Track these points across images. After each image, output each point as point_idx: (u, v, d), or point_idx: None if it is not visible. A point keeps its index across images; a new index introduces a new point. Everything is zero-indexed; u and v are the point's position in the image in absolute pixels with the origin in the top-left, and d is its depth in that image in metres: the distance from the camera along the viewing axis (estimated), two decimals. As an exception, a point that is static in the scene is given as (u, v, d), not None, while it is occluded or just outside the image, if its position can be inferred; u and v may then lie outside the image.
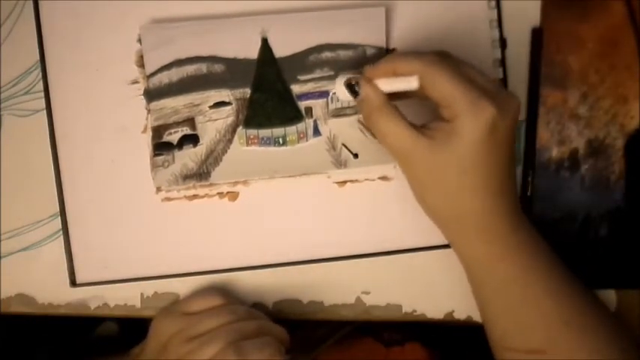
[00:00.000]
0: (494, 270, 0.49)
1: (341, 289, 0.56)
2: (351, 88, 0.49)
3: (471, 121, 0.45)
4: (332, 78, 0.54)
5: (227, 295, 0.53)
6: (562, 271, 0.50)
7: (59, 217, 0.54)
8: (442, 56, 0.48)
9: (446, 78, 0.46)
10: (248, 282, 0.55)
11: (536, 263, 0.49)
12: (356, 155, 0.54)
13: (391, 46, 0.55)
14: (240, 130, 0.54)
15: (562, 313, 0.48)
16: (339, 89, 0.51)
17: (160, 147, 0.54)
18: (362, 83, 0.48)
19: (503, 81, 0.56)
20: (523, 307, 0.49)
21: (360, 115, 0.54)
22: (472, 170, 0.46)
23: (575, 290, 0.50)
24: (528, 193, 0.56)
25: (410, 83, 0.47)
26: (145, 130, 0.54)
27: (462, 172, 0.46)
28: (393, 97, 0.49)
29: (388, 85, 0.48)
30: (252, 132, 0.54)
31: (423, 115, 0.49)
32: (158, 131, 0.54)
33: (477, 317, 0.56)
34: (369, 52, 0.54)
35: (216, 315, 0.50)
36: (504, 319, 0.50)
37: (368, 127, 0.50)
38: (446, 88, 0.46)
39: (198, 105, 0.53)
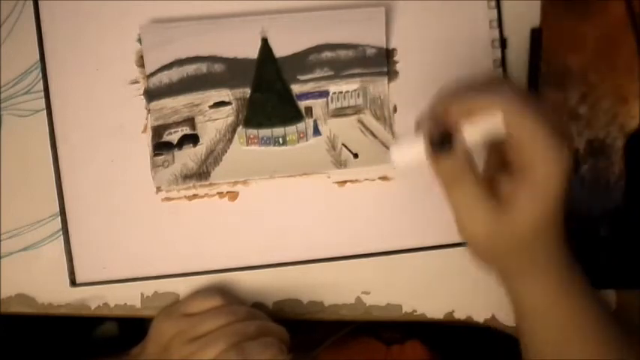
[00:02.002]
0: (552, 317, 0.47)
1: (341, 289, 0.56)
2: (439, 145, 0.41)
3: (551, 174, 0.41)
4: (332, 78, 0.54)
5: (227, 295, 0.53)
6: (610, 316, 0.49)
7: (59, 217, 0.54)
8: (510, 87, 0.42)
9: (527, 119, 0.40)
10: (248, 282, 0.55)
11: (591, 310, 0.47)
12: (356, 155, 0.54)
13: (391, 46, 0.55)
14: (240, 129, 0.54)
15: (603, 353, 0.47)
16: (399, 155, 0.43)
17: (160, 147, 0.54)
18: (455, 137, 0.41)
19: (503, 81, 0.56)
20: (577, 354, 0.47)
21: (361, 115, 0.54)
22: (551, 224, 0.43)
23: (620, 335, 0.48)
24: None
25: (495, 125, 0.40)
26: (144, 130, 0.54)
27: (536, 230, 0.42)
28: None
29: (473, 131, 0.41)
30: (252, 132, 0.54)
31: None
32: (158, 131, 0.54)
33: (477, 317, 0.56)
34: (369, 52, 0.54)
35: (217, 316, 0.50)
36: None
37: (442, 192, 0.43)
38: (529, 134, 0.40)
39: (198, 105, 0.53)
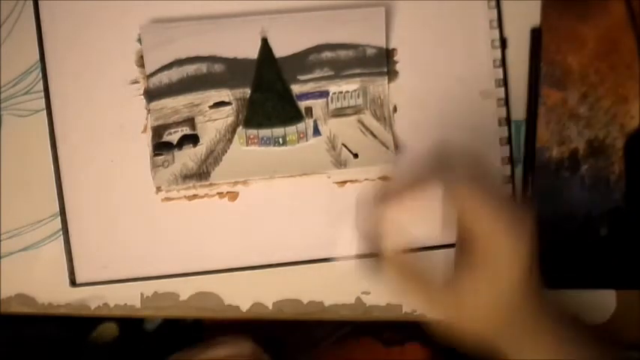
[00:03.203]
0: None
1: (341, 289, 0.56)
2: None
3: (510, 265, 0.42)
4: (332, 78, 0.54)
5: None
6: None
7: (59, 217, 0.54)
8: (463, 169, 0.43)
9: (483, 211, 0.41)
10: (248, 282, 0.55)
11: None
12: (356, 155, 0.54)
13: (391, 46, 0.55)
14: (240, 129, 0.54)
15: None
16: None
17: (160, 147, 0.54)
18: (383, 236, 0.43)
19: (504, 81, 0.56)
20: None
21: (361, 115, 0.54)
22: (512, 308, 0.44)
23: None
24: (528, 193, 0.56)
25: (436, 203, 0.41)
26: (144, 130, 0.54)
27: (501, 316, 0.44)
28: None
29: (412, 213, 0.42)
30: (252, 132, 0.54)
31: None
32: (158, 131, 0.54)
33: (477, 317, 0.56)
34: (369, 52, 0.54)
35: None
36: None
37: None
38: (483, 223, 0.42)
39: (198, 105, 0.53)
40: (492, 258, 0.42)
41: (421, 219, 0.42)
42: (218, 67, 0.53)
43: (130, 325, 0.72)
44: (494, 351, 0.47)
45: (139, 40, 0.54)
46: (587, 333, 0.48)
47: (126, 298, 0.55)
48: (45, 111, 0.54)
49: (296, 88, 0.54)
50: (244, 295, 0.56)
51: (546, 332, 0.47)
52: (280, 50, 0.54)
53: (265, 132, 0.54)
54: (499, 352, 0.48)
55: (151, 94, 0.53)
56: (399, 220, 0.42)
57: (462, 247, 0.45)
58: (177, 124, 0.53)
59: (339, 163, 0.54)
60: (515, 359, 0.48)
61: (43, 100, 0.54)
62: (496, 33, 0.56)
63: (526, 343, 0.47)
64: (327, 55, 0.54)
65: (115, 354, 0.59)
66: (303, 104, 0.54)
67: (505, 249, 0.42)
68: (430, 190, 0.41)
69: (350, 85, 0.54)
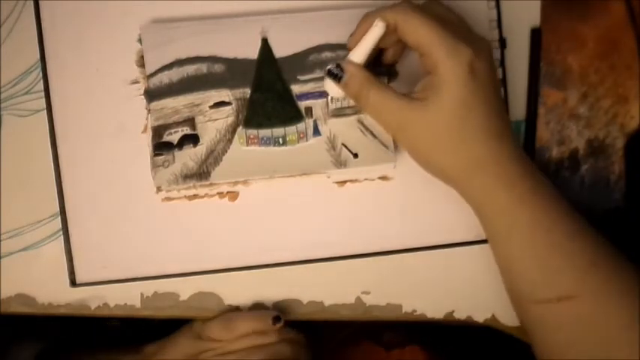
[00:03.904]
0: (519, 216, 0.48)
1: (341, 289, 0.56)
2: (334, 75, 0.49)
3: (452, 66, 0.45)
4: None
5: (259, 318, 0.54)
6: (578, 214, 0.49)
7: (59, 217, 0.54)
8: (417, 4, 0.48)
9: (419, 24, 0.46)
10: (248, 282, 0.55)
11: (556, 205, 0.48)
12: (356, 155, 0.54)
13: (391, 46, 0.55)
14: (240, 129, 0.54)
15: (588, 254, 0.47)
16: (327, 85, 0.51)
17: (160, 147, 0.54)
18: (343, 64, 0.49)
19: (503, 81, 0.56)
20: (549, 251, 0.47)
21: (361, 115, 0.54)
22: (469, 116, 0.46)
23: (595, 233, 0.48)
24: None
25: (377, 28, 0.48)
26: (145, 130, 0.54)
27: (460, 120, 0.46)
28: (383, 62, 0.51)
29: (362, 47, 0.49)
30: (252, 132, 0.54)
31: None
32: (158, 131, 0.54)
33: (477, 317, 0.56)
34: (369, 52, 0.54)
35: (247, 336, 0.54)
36: (533, 270, 0.48)
37: (360, 108, 0.49)
38: (421, 35, 0.46)
39: (198, 105, 0.53)
40: (438, 65, 0.46)
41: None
42: (218, 67, 0.53)
43: (130, 325, 0.72)
44: (447, 181, 0.50)
45: (139, 40, 0.54)
46: (558, 194, 0.49)
47: (126, 298, 0.55)
48: (45, 111, 0.54)
49: (296, 88, 0.54)
50: (244, 295, 0.56)
51: (516, 177, 0.48)
52: (280, 50, 0.54)
53: (265, 132, 0.54)
54: (450, 182, 0.50)
55: (151, 94, 0.53)
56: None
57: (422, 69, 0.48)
58: (178, 124, 0.53)
59: (339, 163, 0.54)
60: (463, 193, 0.50)
61: (43, 100, 0.54)
62: (496, 33, 0.56)
63: (476, 177, 0.48)
64: (327, 55, 0.54)
65: (122, 347, 0.59)
66: (303, 104, 0.54)
67: (442, 59, 0.45)
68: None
69: (350, 85, 0.54)
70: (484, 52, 0.47)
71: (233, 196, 0.55)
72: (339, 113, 0.54)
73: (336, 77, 0.49)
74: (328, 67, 0.50)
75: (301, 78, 0.54)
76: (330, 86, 0.51)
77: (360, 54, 0.49)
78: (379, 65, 0.53)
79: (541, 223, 0.47)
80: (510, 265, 0.49)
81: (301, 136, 0.54)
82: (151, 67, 0.53)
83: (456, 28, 0.47)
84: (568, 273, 0.47)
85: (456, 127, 0.46)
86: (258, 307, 0.56)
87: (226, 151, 0.54)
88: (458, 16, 0.49)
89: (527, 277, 0.49)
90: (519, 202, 0.47)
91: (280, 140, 0.54)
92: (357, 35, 0.50)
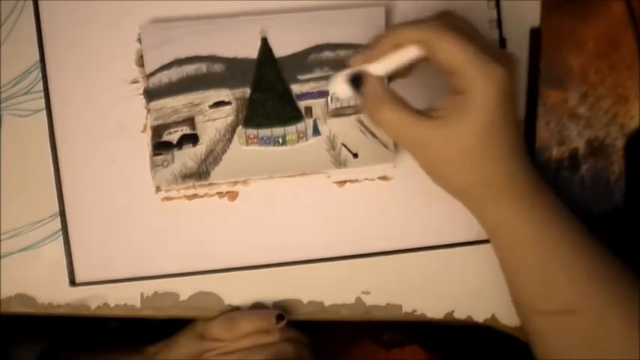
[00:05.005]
0: (525, 231, 0.48)
1: (341, 289, 0.56)
2: (356, 83, 0.47)
3: (485, 87, 0.44)
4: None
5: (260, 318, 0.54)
6: (582, 226, 0.49)
7: (59, 217, 0.54)
8: (444, 20, 0.46)
9: (453, 44, 0.44)
10: (248, 282, 0.55)
11: (561, 220, 0.48)
12: (355, 155, 0.54)
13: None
14: (240, 129, 0.54)
15: (590, 268, 0.47)
16: (338, 88, 0.49)
17: (160, 146, 0.54)
18: (364, 76, 0.47)
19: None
20: (555, 266, 0.47)
21: (360, 115, 0.54)
22: (493, 135, 0.45)
23: (602, 248, 0.49)
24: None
25: (412, 53, 0.46)
26: (144, 130, 0.54)
27: (483, 139, 0.45)
28: (401, 75, 0.49)
29: (387, 64, 0.47)
30: (252, 131, 0.54)
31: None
32: (158, 131, 0.54)
33: (477, 317, 0.56)
34: (369, 51, 0.54)
35: (250, 335, 0.54)
36: (535, 282, 0.48)
37: (373, 121, 0.48)
38: (454, 56, 0.44)
39: (197, 104, 0.53)
40: (470, 87, 0.44)
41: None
42: (218, 67, 0.53)
43: (131, 326, 0.72)
44: (461, 198, 0.49)
45: (139, 40, 0.54)
46: (564, 208, 0.49)
47: (126, 298, 0.55)
48: (45, 111, 0.54)
49: (296, 88, 0.54)
50: (244, 295, 0.56)
51: (517, 195, 0.48)
52: (280, 50, 0.54)
53: (265, 132, 0.54)
54: (464, 199, 0.49)
55: (151, 94, 0.53)
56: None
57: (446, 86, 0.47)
58: (177, 123, 0.53)
59: (339, 163, 0.54)
60: (478, 217, 0.49)
61: (43, 100, 0.54)
62: (496, 33, 0.56)
63: (492, 195, 0.48)
64: (327, 54, 0.54)
65: (125, 347, 0.59)
66: (302, 104, 0.54)
67: (476, 79, 0.44)
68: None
69: (350, 85, 0.54)
70: (513, 70, 0.46)
71: (233, 195, 0.55)
72: (338, 113, 0.54)
73: (357, 85, 0.48)
74: (349, 73, 0.48)
75: (301, 78, 0.54)
76: (341, 88, 0.49)
77: (382, 69, 0.47)
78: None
79: (547, 239, 0.48)
80: (515, 275, 0.50)
81: (301, 135, 0.54)
82: (150, 67, 0.53)
83: (483, 44, 0.45)
84: (570, 286, 0.47)
85: (479, 147, 0.45)
86: (258, 306, 0.56)
87: (226, 151, 0.54)
88: (476, 27, 0.48)
89: (530, 288, 0.49)
90: (529, 218, 0.48)
91: (280, 140, 0.54)
92: (379, 50, 0.47)
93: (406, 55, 0.46)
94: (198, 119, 0.53)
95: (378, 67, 0.47)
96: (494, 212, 0.48)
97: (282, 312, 0.54)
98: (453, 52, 0.44)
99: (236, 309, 0.56)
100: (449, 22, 0.46)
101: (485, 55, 0.44)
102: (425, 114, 0.46)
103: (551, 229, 0.48)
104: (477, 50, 0.44)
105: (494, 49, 0.47)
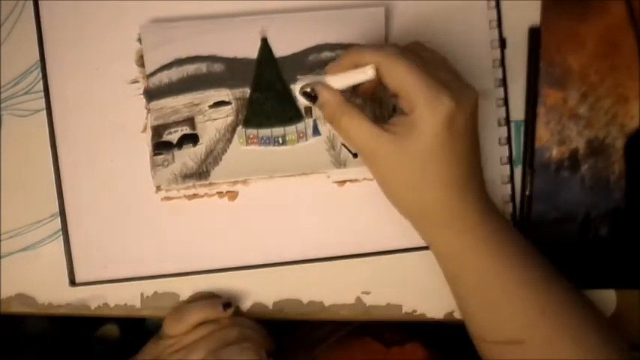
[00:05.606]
0: (467, 262, 0.49)
1: (341, 289, 0.56)
2: (308, 95, 0.49)
3: (429, 115, 0.45)
4: (332, 78, 0.54)
5: (208, 305, 0.54)
6: (537, 260, 0.50)
7: (59, 217, 0.54)
8: (408, 47, 0.48)
9: (403, 69, 0.46)
10: (248, 282, 0.55)
11: (509, 252, 0.49)
12: (355, 155, 0.54)
13: (391, 46, 0.55)
14: (240, 129, 0.54)
15: (538, 302, 0.48)
16: (298, 96, 0.50)
17: (160, 146, 0.54)
18: (317, 88, 0.49)
19: (503, 81, 0.56)
20: (499, 297, 0.49)
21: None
22: (433, 162, 0.46)
23: (552, 279, 0.49)
24: (527, 193, 0.56)
25: (365, 74, 0.47)
26: (144, 130, 0.54)
27: (423, 164, 0.46)
28: (358, 92, 0.51)
29: (344, 79, 0.49)
30: (252, 131, 0.54)
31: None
32: (158, 130, 0.54)
33: (476, 317, 0.56)
34: (369, 51, 0.54)
35: (201, 327, 0.53)
36: (481, 312, 0.50)
37: (334, 130, 0.50)
38: (403, 80, 0.46)
39: (197, 104, 0.53)
40: (414, 110, 0.46)
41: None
42: (218, 67, 0.53)
43: (130, 327, 0.72)
44: (404, 215, 0.51)
45: (139, 40, 0.54)
46: (516, 239, 0.50)
47: (126, 298, 0.55)
48: (45, 111, 0.54)
49: (296, 88, 0.54)
50: (244, 295, 0.56)
51: (469, 225, 0.49)
52: (280, 50, 0.54)
53: (265, 132, 0.54)
54: (406, 217, 0.51)
55: (151, 94, 0.53)
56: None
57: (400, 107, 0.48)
58: (177, 123, 0.54)
59: (339, 163, 0.54)
60: (417, 229, 0.51)
61: (43, 100, 0.54)
62: (495, 33, 0.56)
63: (428, 219, 0.49)
64: (327, 55, 0.54)
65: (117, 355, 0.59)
66: (302, 104, 0.54)
67: (420, 105, 0.45)
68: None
69: (350, 85, 0.54)
70: (468, 104, 0.47)
71: (232, 195, 0.55)
72: (338, 113, 0.54)
73: (311, 98, 0.49)
74: (302, 86, 0.49)
75: (301, 77, 0.54)
76: (300, 97, 0.50)
77: (339, 83, 0.49)
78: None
79: (489, 271, 0.49)
80: (460, 302, 0.52)
81: (301, 135, 0.54)
82: (150, 67, 0.53)
83: (443, 74, 0.47)
84: (516, 319, 0.48)
85: (419, 171, 0.47)
86: (256, 306, 0.56)
87: (226, 151, 0.54)
88: (451, 66, 0.49)
89: (477, 318, 0.50)
90: (468, 248, 0.49)
91: (280, 140, 0.54)
92: (339, 67, 0.49)
93: (361, 74, 0.48)
94: (198, 119, 0.53)
95: (336, 82, 0.49)
96: (436, 238, 0.50)
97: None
98: (401, 76, 0.46)
99: (226, 305, 0.55)
100: (413, 50, 0.48)
101: (436, 85, 0.45)
102: (380, 126, 0.47)
103: (494, 260, 0.49)
104: (427, 78, 0.45)
105: (458, 82, 0.47)
